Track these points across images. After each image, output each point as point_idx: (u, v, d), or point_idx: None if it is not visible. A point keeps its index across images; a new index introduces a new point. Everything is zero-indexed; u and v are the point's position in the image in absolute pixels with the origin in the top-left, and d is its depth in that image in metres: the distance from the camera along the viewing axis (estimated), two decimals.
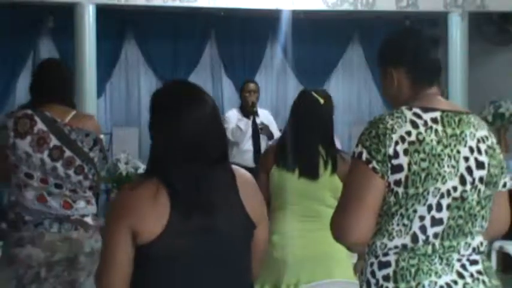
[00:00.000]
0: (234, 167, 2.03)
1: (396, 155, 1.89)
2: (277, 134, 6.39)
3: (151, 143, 1.97)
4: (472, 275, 1.94)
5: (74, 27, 6.64)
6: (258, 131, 6.40)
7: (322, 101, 3.34)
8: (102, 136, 3.30)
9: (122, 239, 1.85)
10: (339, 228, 1.94)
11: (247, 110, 6.47)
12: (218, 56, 8.65)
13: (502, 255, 5.70)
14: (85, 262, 3.17)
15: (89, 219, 3.21)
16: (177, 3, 6.86)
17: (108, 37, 7.64)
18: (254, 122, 6.45)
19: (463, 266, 1.94)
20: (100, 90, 7.60)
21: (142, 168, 6.81)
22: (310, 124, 3.31)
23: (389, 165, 1.89)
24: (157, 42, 8.37)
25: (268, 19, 7.86)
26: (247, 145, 6.41)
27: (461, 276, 1.93)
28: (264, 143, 6.43)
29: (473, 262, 1.96)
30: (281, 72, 8.76)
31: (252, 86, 6.57)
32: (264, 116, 6.61)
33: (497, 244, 5.57)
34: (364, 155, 1.91)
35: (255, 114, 6.48)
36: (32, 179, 3.11)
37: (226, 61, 8.67)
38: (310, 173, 3.25)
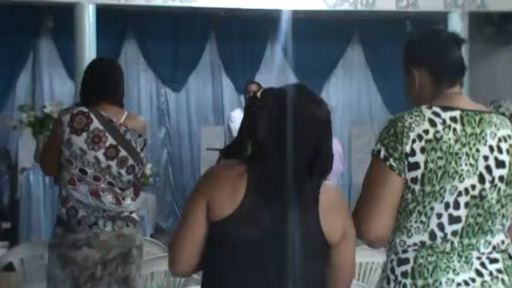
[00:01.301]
0: (325, 182, 1.99)
1: (413, 152, 1.91)
2: None
3: (257, 132, 1.95)
4: (491, 273, 1.95)
5: (74, 27, 6.64)
6: None
7: None
8: (149, 140, 3.38)
9: (198, 207, 1.90)
10: (357, 225, 1.96)
11: None
12: (218, 56, 8.66)
13: None
14: (136, 255, 3.24)
15: (135, 215, 3.29)
16: (177, 3, 6.86)
17: (108, 37, 7.63)
18: None
19: (483, 264, 1.95)
20: None
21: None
22: None
23: (406, 162, 1.91)
24: (157, 42, 8.37)
25: (268, 19, 7.87)
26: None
27: (480, 274, 1.94)
28: None
29: (494, 260, 1.97)
30: (281, 72, 8.77)
31: (254, 86, 6.57)
32: None
33: None
34: (382, 153, 1.94)
35: None
36: (86, 174, 3.16)
37: (226, 61, 8.67)
38: None
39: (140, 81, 8.50)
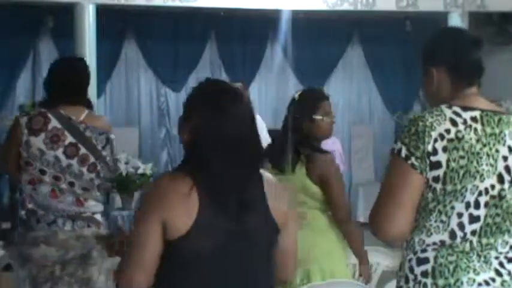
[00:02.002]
0: (261, 171, 2.02)
1: (435, 152, 1.91)
2: (267, 140, 6.32)
3: (186, 139, 1.95)
4: (509, 273, 1.96)
5: (74, 27, 6.65)
6: None
7: (296, 97, 3.35)
8: (113, 136, 3.31)
9: (152, 228, 1.85)
10: (377, 224, 1.97)
11: None
12: (218, 56, 8.66)
13: None
14: (97, 258, 3.19)
15: (98, 217, 3.24)
16: (177, 3, 6.86)
17: (108, 37, 7.64)
18: None
19: (501, 264, 1.96)
20: (100, 90, 7.60)
21: (142, 168, 6.81)
22: (284, 121, 3.36)
23: (428, 161, 1.91)
24: (157, 42, 8.37)
25: (268, 19, 7.87)
26: None
27: (499, 273, 1.95)
28: None
29: (511, 260, 1.98)
30: (281, 72, 8.77)
31: (237, 85, 6.43)
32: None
33: None
34: (403, 152, 1.94)
35: None
36: (44, 175, 3.13)
37: (226, 61, 8.67)
38: (277, 164, 3.23)
39: (140, 81, 8.50)
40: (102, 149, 3.20)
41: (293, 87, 8.71)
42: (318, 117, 3.27)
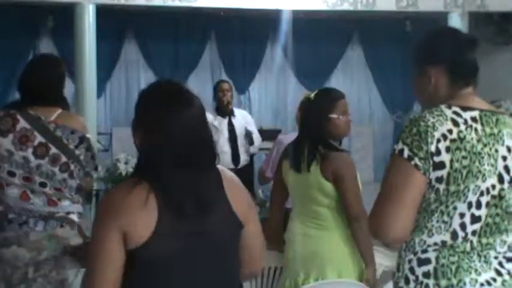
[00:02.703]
0: (219, 167, 2.01)
1: (438, 152, 1.91)
2: (256, 134, 6.33)
3: (139, 144, 1.92)
4: (509, 272, 1.96)
5: (74, 27, 6.64)
6: (235, 132, 6.29)
7: (312, 97, 3.36)
8: (89, 136, 3.26)
9: (113, 240, 1.81)
10: (377, 226, 1.95)
11: (223, 109, 6.25)
12: (218, 56, 8.66)
13: None
14: (72, 259, 3.14)
15: (74, 216, 3.19)
16: (177, 3, 6.86)
17: (108, 37, 7.64)
18: (230, 123, 6.24)
19: (500, 264, 1.96)
20: (100, 90, 7.60)
21: None
22: (300, 120, 3.40)
23: (431, 162, 1.91)
24: (157, 42, 8.37)
25: (268, 19, 7.87)
26: (225, 147, 6.26)
27: (499, 273, 1.95)
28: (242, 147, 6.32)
29: (510, 259, 1.98)
30: (281, 72, 8.77)
31: (225, 85, 6.42)
32: (242, 116, 6.38)
33: None
34: (406, 152, 1.92)
35: (231, 113, 6.27)
36: (14, 177, 3.09)
37: (226, 61, 8.67)
38: (294, 164, 3.28)
39: (140, 81, 8.50)
40: (74, 148, 3.15)
41: (293, 87, 8.72)
42: (335, 116, 3.28)
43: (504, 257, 1.97)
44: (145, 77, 8.53)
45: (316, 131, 3.25)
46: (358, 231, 3.17)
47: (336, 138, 3.33)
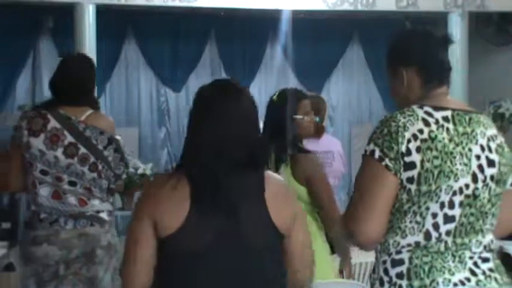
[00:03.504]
0: (268, 173, 2.00)
1: (409, 152, 1.90)
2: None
3: (185, 138, 1.98)
4: (484, 273, 1.96)
5: (74, 27, 6.64)
6: None
7: (275, 98, 3.33)
8: (119, 137, 3.30)
9: (144, 229, 1.88)
10: (352, 227, 1.95)
11: None
12: (218, 56, 8.64)
13: (502, 255, 5.70)
14: (102, 256, 3.20)
15: (104, 215, 3.24)
16: (177, 3, 6.86)
17: (108, 37, 7.63)
18: None
19: (475, 264, 1.96)
20: (100, 90, 7.59)
21: (142, 168, 6.80)
22: (264, 122, 3.33)
23: (402, 162, 1.90)
24: (157, 42, 8.36)
25: (268, 19, 7.86)
26: None
27: (473, 273, 1.95)
28: None
29: (485, 260, 1.98)
30: (281, 72, 8.76)
31: None
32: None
33: (497, 244, 5.56)
34: (377, 153, 1.92)
35: None
36: (46, 175, 3.14)
37: (226, 61, 8.65)
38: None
39: (140, 81, 8.49)
40: (103, 149, 3.19)
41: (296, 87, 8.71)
42: (299, 117, 3.27)
43: (480, 257, 1.97)
44: (145, 77, 8.53)
45: (282, 133, 3.23)
46: (334, 230, 3.17)
47: (301, 139, 3.32)
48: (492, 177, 1.98)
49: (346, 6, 7.06)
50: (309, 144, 3.56)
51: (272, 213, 1.93)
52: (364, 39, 8.87)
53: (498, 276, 1.98)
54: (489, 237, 2.01)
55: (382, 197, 1.91)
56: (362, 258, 3.78)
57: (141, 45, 8.42)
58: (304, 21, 7.73)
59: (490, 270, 1.97)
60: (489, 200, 1.98)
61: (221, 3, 6.98)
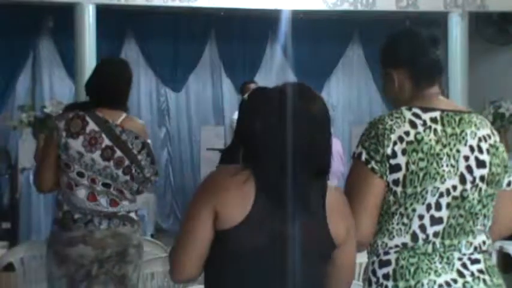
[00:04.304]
0: (329, 183, 1.98)
1: (394, 154, 1.90)
2: None
3: (251, 133, 1.93)
4: (472, 274, 1.95)
5: (74, 27, 6.65)
6: None
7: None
8: (149, 141, 3.33)
9: (205, 217, 1.85)
10: None
11: None
12: (218, 56, 8.65)
13: (502, 255, 5.70)
14: (133, 254, 3.23)
15: (133, 215, 3.28)
16: (177, 3, 6.86)
17: (108, 37, 7.63)
18: None
19: (464, 265, 1.95)
20: None
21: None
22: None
23: (387, 165, 1.90)
24: (157, 42, 8.36)
25: (268, 19, 7.87)
26: None
27: (461, 275, 1.94)
28: None
29: (475, 261, 1.97)
30: (281, 72, 8.76)
31: (252, 86, 6.45)
32: None
33: (497, 244, 5.56)
34: (364, 156, 1.93)
35: None
36: (83, 177, 3.16)
37: (226, 61, 8.66)
38: None
39: (140, 81, 8.50)
40: (137, 153, 3.22)
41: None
42: None
43: (469, 259, 1.96)
44: (146, 77, 8.54)
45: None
46: None
47: None
48: (482, 178, 1.96)
49: (346, 6, 7.06)
50: None
51: (330, 223, 1.91)
52: (364, 39, 8.87)
53: (488, 278, 1.97)
54: (481, 238, 1.99)
55: (370, 199, 1.92)
56: (366, 258, 3.77)
57: (141, 45, 8.42)
58: (304, 21, 7.74)
59: (480, 271, 1.96)
60: (479, 201, 1.97)
61: (221, 3, 6.98)
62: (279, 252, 1.87)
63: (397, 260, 1.93)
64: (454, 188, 1.93)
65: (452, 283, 1.92)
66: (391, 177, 1.90)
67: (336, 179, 5.20)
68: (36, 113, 6.47)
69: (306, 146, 1.89)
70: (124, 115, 3.27)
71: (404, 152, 1.90)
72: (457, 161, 1.93)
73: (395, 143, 1.91)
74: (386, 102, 8.91)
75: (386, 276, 1.93)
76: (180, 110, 8.62)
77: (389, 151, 1.90)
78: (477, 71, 7.50)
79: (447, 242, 1.94)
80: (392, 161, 1.90)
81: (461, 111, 2.03)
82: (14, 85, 7.94)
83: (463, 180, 1.94)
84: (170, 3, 6.85)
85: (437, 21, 7.55)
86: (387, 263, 1.94)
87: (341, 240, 1.93)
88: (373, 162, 1.91)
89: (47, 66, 8.14)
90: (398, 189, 1.91)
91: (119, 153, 3.18)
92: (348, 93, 9.03)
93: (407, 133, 1.92)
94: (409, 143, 1.91)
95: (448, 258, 1.94)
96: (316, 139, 1.91)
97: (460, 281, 1.93)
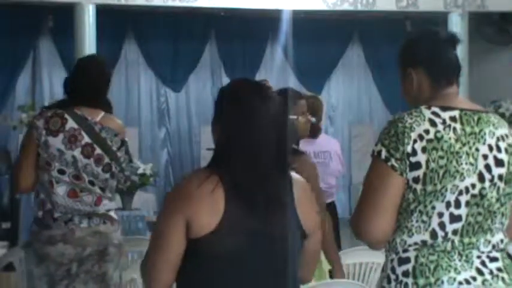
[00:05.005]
0: (293, 174, 2.01)
1: (414, 152, 1.92)
2: None
3: (217, 138, 1.96)
4: (491, 272, 1.96)
5: (74, 27, 6.64)
6: None
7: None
8: (127, 139, 3.33)
9: (177, 227, 1.86)
10: (359, 228, 1.98)
11: None
12: (218, 56, 8.64)
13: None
14: (113, 253, 3.23)
15: (113, 214, 3.28)
16: (177, 3, 6.86)
17: (108, 37, 7.62)
18: None
19: (483, 263, 1.97)
20: None
21: (142, 168, 6.81)
22: None
23: (407, 162, 1.92)
24: (157, 42, 8.36)
25: (268, 19, 7.86)
26: None
27: (480, 272, 1.95)
28: None
29: (493, 259, 1.98)
30: (281, 72, 8.76)
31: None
32: None
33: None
34: (383, 153, 1.95)
35: None
36: (64, 174, 3.16)
37: (226, 61, 8.65)
38: None
39: (140, 81, 8.49)
40: (117, 150, 3.22)
41: (293, 87, 8.70)
42: (293, 117, 3.23)
43: (488, 257, 1.97)
44: (145, 77, 8.53)
45: None
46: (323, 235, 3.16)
47: (296, 140, 3.30)
48: (501, 177, 1.98)
49: (346, 6, 7.06)
50: (305, 144, 3.53)
51: (300, 214, 1.96)
52: (364, 39, 8.87)
53: (506, 276, 1.98)
54: (499, 236, 2.01)
55: (389, 197, 1.94)
56: (366, 258, 3.77)
57: (141, 45, 8.42)
58: (304, 21, 7.73)
59: (498, 269, 1.98)
60: (498, 200, 1.99)
61: (221, 3, 6.98)
62: (256, 252, 1.89)
63: (416, 257, 1.94)
64: (473, 186, 1.94)
65: (471, 281, 1.93)
66: (411, 175, 1.92)
67: (334, 178, 5.21)
68: (36, 113, 6.46)
69: (270, 143, 1.91)
70: (103, 113, 3.26)
71: (424, 149, 1.92)
72: (476, 160, 1.95)
73: (415, 141, 1.92)
74: (386, 102, 8.93)
75: (406, 274, 1.95)
76: (180, 110, 8.61)
77: (409, 149, 1.92)
78: (477, 71, 7.49)
79: (466, 240, 1.95)
80: (413, 159, 1.92)
81: (480, 110, 2.05)
82: (14, 85, 7.93)
83: (481, 178, 1.95)
84: (170, 3, 6.85)
85: (437, 21, 7.55)
86: (406, 260, 1.96)
87: (311, 229, 1.99)
88: (393, 160, 1.93)
89: (47, 66, 8.13)
90: (418, 187, 1.92)
91: (98, 150, 3.18)
92: (348, 93, 9.03)
93: (427, 131, 1.93)
94: (429, 141, 1.92)
95: (467, 256, 1.95)
96: (278, 136, 1.93)
97: (479, 278, 1.94)
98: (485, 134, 1.98)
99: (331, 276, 3.35)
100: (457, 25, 7.06)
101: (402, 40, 2.18)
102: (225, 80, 8.69)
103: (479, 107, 2.08)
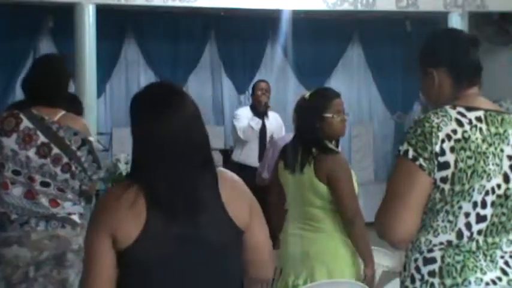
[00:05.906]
0: (219, 169, 1.98)
1: (443, 152, 1.92)
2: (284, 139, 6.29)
3: (132, 147, 1.92)
4: None
5: (74, 27, 6.64)
6: (265, 133, 6.27)
7: (307, 96, 3.34)
8: (92, 139, 3.25)
9: (101, 244, 1.84)
10: (384, 227, 1.97)
11: (260, 109, 6.23)
12: (218, 56, 8.65)
13: None
14: (73, 259, 3.14)
15: (75, 217, 3.19)
16: (177, 3, 6.86)
17: (108, 37, 7.63)
18: (263, 124, 6.22)
19: (506, 263, 1.97)
20: (100, 90, 7.60)
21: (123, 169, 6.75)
22: (295, 121, 3.35)
23: (436, 162, 1.92)
24: (157, 42, 8.37)
25: (268, 19, 7.87)
26: (254, 144, 6.28)
27: (505, 272, 1.96)
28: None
29: None
30: (281, 72, 8.77)
31: (263, 84, 6.41)
32: (274, 118, 6.35)
33: None
34: (411, 153, 1.94)
35: (265, 114, 6.23)
36: (19, 175, 3.10)
37: (226, 61, 8.66)
38: (289, 165, 3.26)
39: (140, 81, 8.49)
40: (77, 149, 3.14)
41: (293, 87, 8.71)
42: (329, 115, 3.23)
43: (510, 256, 1.98)
44: (145, 77, 8.52)
45: (311, 132, 3.22)
46: (354, 232, 3.16)
47: (331, 138, 3.29)
48: None
49: (346, 6, 7.07)
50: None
51: (230, 210, 1.91)
52: (364, 39, 8.88)
53: None
54: None
55: (415, 197, 1.93)
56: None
57: (141, 45, 8.42)
58: (304, 21, 7.74)
59: None
60: None
61: (221, 3, 6.98)
62: (184, 256, 1.86)
63: (442, 257, 1.95)
64: (499, 186, 1.95)
65: (497, 281, 1.94)
66: (439, 175, 1.92)
67: None
68: None
69: (186, 147, 1.87)
70: (62, 112, 3.19)
71: (452, 149, 1.92)
72: (501, 160, 1.96)
73: (443, 141, 1.92)
74: (386, 102, 8.93)
75: (432, 274, 1.95)
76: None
77: (437, 149, 1.92)
78: None
79: (489, 239, 1.96)
80: (441, 159, 1.91)
81: (502, 111, 2.05)
82: (14, 85, 7.92)
83: (506, 179, 1.96)
84: (170, 3, 6.85)
85: (437, 21, 7.55)
86: (432, 260, 1.96)
87: (245, 223, 1.94)
88: (421, 159, 1.92)
89: None
90: (446, 187, 1.92)
91: (56, 150, 3.11)
92: (348, 93, 9.02)
93: (454, 131, 1.93)
94: (457, 141, 1.92)
95: (491, 256, 1.96)
96: (192, 133, 1.89)
97: (505, 279, 1.95)
98: (509, 134, 1.99)
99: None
100: (457, 25, 7.06)
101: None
102: (225, 80, 8.71)
103: (500, 108, 2.09)
